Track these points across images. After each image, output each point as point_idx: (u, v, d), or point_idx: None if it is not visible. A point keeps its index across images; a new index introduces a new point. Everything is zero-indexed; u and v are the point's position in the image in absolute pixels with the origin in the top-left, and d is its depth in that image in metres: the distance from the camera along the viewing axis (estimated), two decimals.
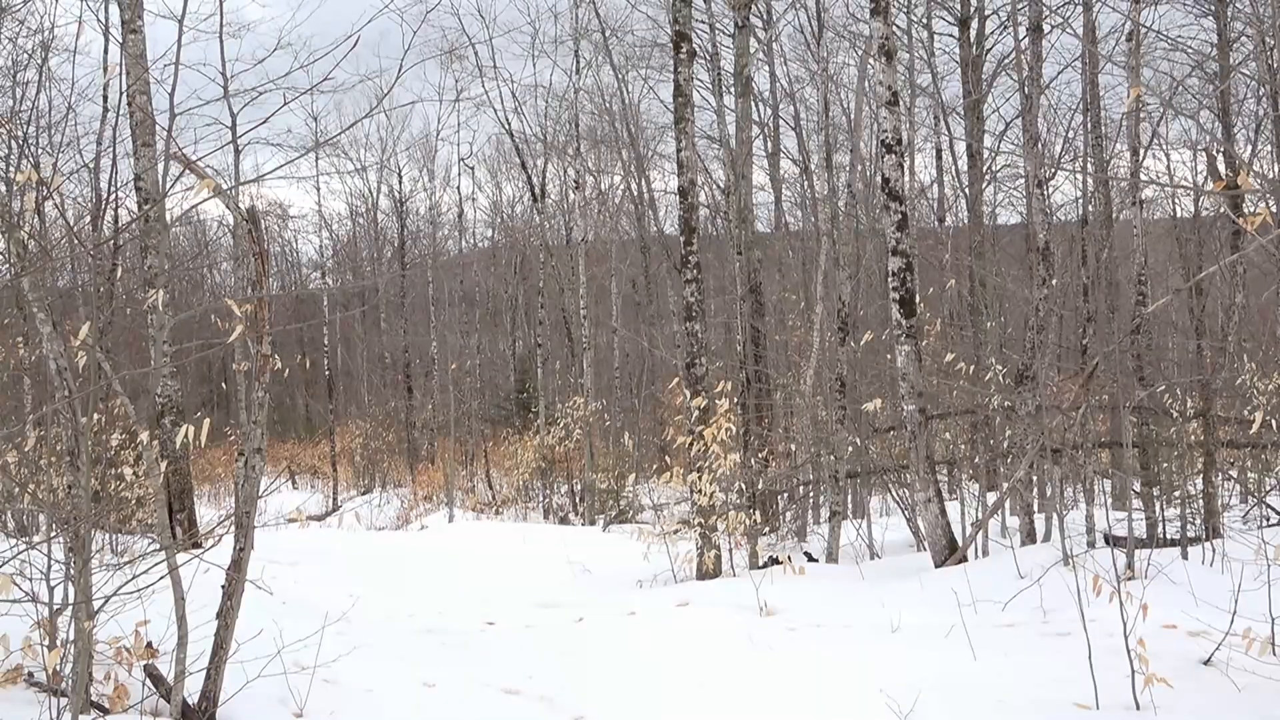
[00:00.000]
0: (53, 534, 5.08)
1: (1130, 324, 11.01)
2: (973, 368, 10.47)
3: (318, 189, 47.24)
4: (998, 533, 10.23)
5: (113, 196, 12.50)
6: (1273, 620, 5.28)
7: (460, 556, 11.89)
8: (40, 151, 11.76)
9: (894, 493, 11.76)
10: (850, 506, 13.69)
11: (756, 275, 15.16)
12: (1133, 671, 4.84)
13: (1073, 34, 14.97)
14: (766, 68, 18.60)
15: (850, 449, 11.22)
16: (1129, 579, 6.98)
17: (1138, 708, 4.81)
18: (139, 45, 10.54)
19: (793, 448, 13.07)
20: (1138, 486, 9.75)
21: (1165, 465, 9.86)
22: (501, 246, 32.68)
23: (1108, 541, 7.96)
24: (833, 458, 10.97)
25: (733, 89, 16.14)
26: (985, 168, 18.36)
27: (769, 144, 19.41)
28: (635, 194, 24.73)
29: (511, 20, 58.91)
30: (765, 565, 9.22)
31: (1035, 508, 10.48)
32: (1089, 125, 14.51)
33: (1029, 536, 9.63)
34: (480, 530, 15.34)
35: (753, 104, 16.47)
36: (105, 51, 14.25)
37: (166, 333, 10.35)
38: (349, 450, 27.01)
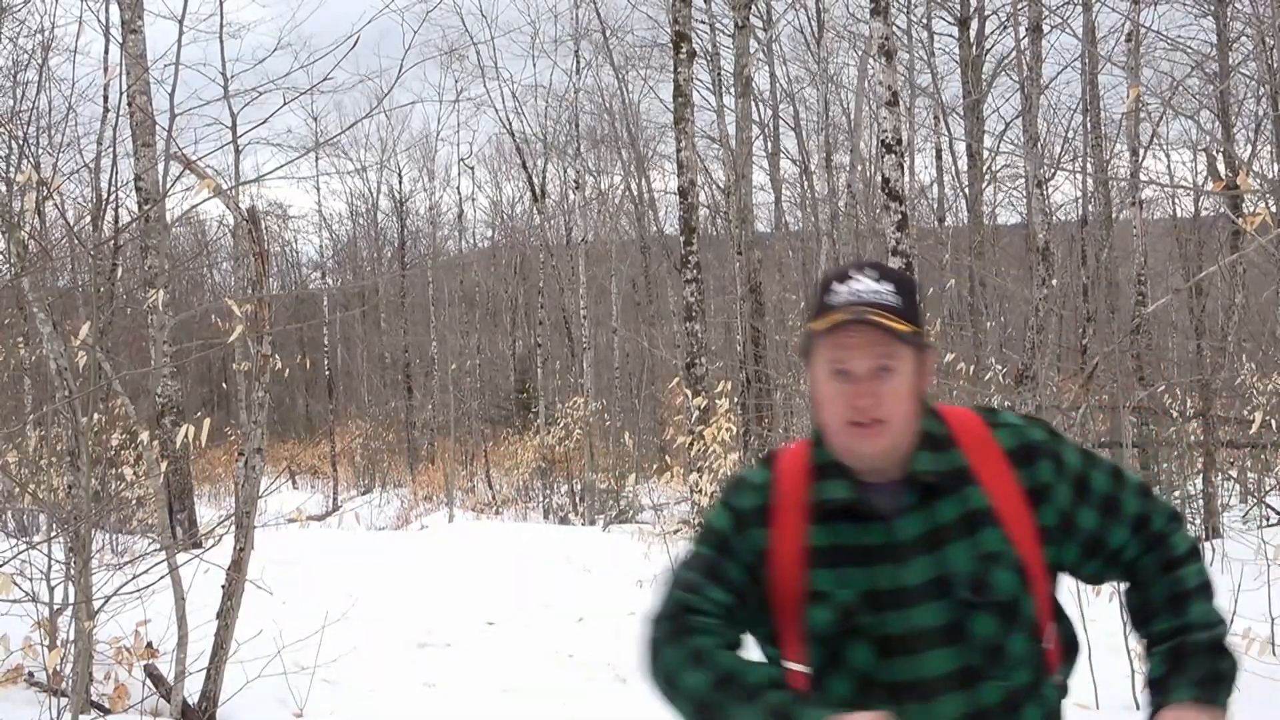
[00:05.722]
0: (53, 534, 5.08)
1: (1130, 324, 11.01)
2: (973, 368, 10.47)
3: (318, 189, 47.15)
4: None
5: (113, 196, 12.49)
6: (1273, 620, 5.28)
7: (460, 556, 11.88)
8: (40, 152, 11.74)
9: None
10: None
11: (756, 275, 15.16)
12: (1133, 671, 4.84)
13: (1072, 34, 14.99)
14: (766, 68, 18.60)
15: None
16: None
17: (1138, 707, 4.79)
18: (139, 45, 10.54)
19: None
20: None
21: (1165, 465, 9.86)
22: (501, 246, 32.67)
23: None
24: None
25: (733, 89, 16.14)
26: (985, 168, 18.35)
27: (769, 144, 19.41)
28: (635, 194, 24.75)
29: (511, 20, 58.95)
30: None
31: None
32: (1089, 125, 14.50)
33: None
34: (480, 530, 15.33)
35: (753, 104, 16.47)
36: (105, 51, 14.28)
37: (166, 333, 10.35)
38: (349, 450, 27.00)
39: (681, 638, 1.70)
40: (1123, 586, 1.81)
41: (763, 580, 1.72)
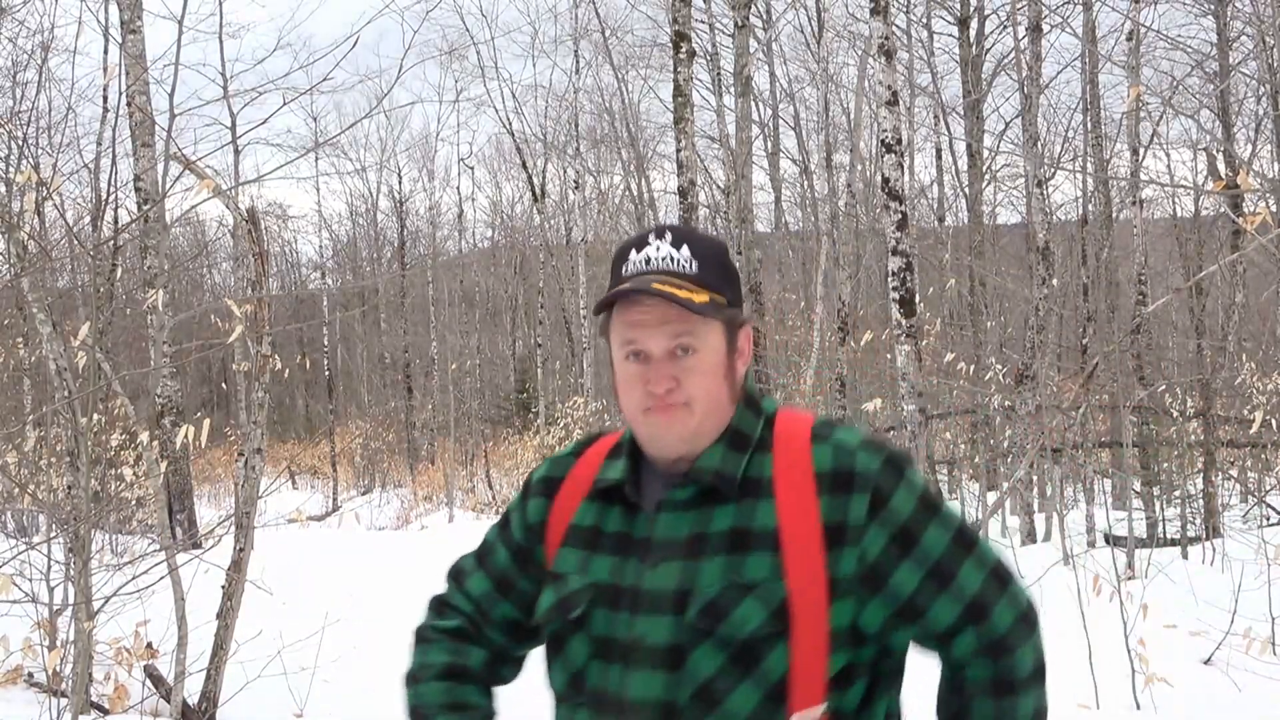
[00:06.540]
0: (53, 534, 5.08)
1: (1130, 324, 11.02)
2: (973, 368, 10.47)
3: (317, 189, 47.31)
4: (998, 533, 10.23)
5: (113, 197, 12.48)
6: (1273, 620, 5.28)
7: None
8: (40, 152, 11.75)
9: None
10: None
11: (756, 275, 15.16)
12: (1133, 671, 4.83)
13: (1072, 34, 14.99)
14: (766, 68, 18.61)
15: None
16: (1129, 579, 6.98)
17: (1138, 707, 4.80)
18: (138, 46, 10.54)
19: None
20: (1138, 486, 9.75)
21: (1165, 465, 9.86)
22: (501, 246, 32.69)
23: (1108, 541, 7.96)
24: None
25: (733, 89, 16.13)
26: (985, 167, 18.36)
27: (769, 144, 19.41)
28: (635, 194, 24.75)
29: (511, 20, 59.03)
30: None
31: (1035, 507, 10.48)
32: (1089, 125, 14.51)
33: (1029, 536, 9.63)
34: (480, 530, 15.29)
35: (753, 104, 16.48)
36: (105, 52, 14.26)
37: (166, 333, 10.35)
38: (349, 450, 27.00)
39: (419, 645, 1.66)
40: (939, 665, 1.49)
41: (541, 556, 1.54)
